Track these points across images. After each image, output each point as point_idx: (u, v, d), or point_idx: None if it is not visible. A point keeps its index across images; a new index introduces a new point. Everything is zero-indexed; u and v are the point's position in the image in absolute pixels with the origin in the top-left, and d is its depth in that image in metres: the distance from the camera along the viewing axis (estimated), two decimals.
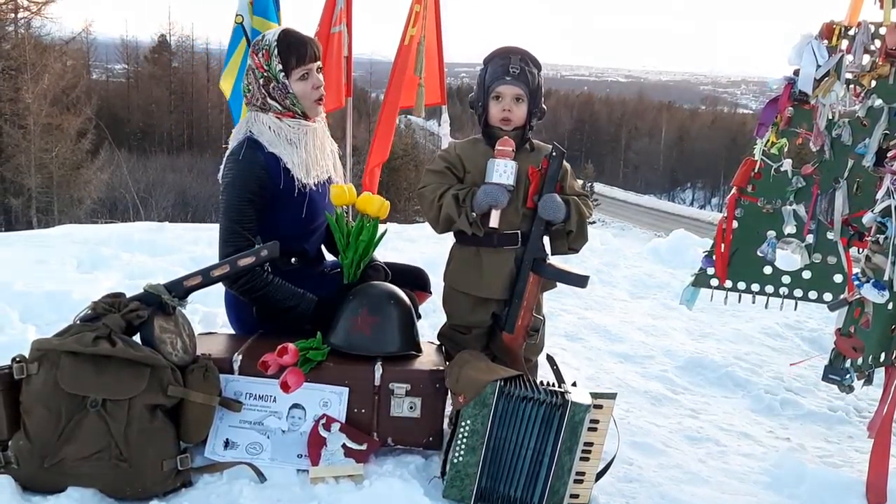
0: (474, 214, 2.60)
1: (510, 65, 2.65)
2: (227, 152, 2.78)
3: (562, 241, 2.73)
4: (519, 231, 2.69)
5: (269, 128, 2.75)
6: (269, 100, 2.76)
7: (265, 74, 2.74)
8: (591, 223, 2.77)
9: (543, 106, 2.75)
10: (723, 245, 3.06)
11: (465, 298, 2.77)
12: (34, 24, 29.87)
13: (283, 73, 2.73)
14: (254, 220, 2.69)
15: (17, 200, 27.13)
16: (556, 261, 2.71)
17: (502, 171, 2.58)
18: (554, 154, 2.65)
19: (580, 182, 2.83)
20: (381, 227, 2.85)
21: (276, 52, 2.72)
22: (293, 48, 2.73)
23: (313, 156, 2.81)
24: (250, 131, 2.75)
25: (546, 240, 2.74)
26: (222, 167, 2.76)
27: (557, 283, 2.81)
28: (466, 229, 2.63)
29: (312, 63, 2.77)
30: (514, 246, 2.69)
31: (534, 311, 2.70)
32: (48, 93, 27.79)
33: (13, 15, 29.24)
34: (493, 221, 2.60)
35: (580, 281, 2.63)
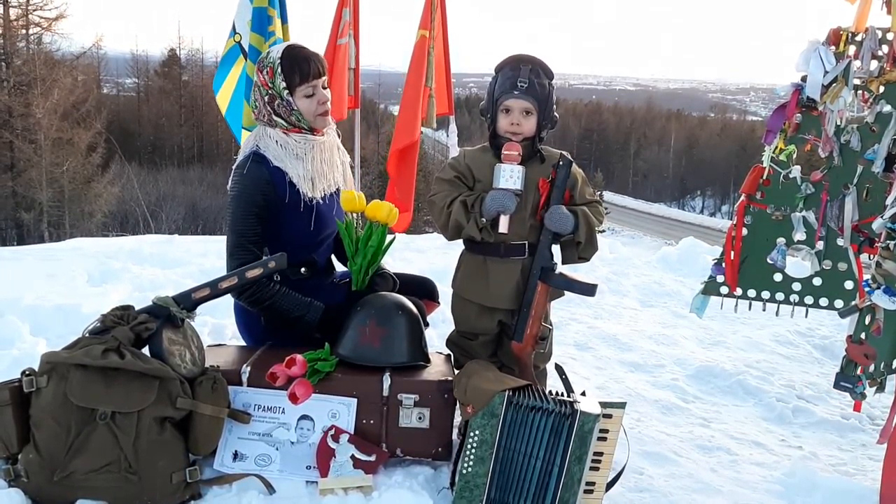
0: (483, 220, 2.59)
1: (519, 77, 2.63)
2: (234, 166, 2.80)
3: (571, 250, 2.71)
4: (526, 242, 2.68)
5: (276, 142, 2.76)
6: (274, 116, 2.77)
7: (270, 92, 2.75)
8: (600, 231, 2.75)
9: (555, 114, 2.73)
10: (732, 253, 3.04)
11: (472, 306, 2.77)
12: (45, 40, 30.14)
13: (287, 91, 2.73)
14: (259, 233, 2.70)
15: (29, 214, 27.29)
16: (564, 269, 2.70)
17: (509, 175, 2.56)
18: (561, 164, 2.65)
19: (591, 189, 2.81)
20: (389, 236, 2.86)
21: (279, 69, 2.73)
22: (296, 65, 2.74)
23: (320, 169, 2.82)
24: (257, 145, 2.77)
25: (556, 248, 2.73)
26: (229, 180, 2.77)
27: (565, 292, 2.80)
28: (476, 235, 2.62)
29: (317, 79, 2.77)
30: (521, 257, 2.69)
31: (542, 319, 2.69)
32: (59, 107, 27.96)
33: (24, 31, 29.51)
34: (503, 227, 2.59)
35: (588, 289, 2.61)
